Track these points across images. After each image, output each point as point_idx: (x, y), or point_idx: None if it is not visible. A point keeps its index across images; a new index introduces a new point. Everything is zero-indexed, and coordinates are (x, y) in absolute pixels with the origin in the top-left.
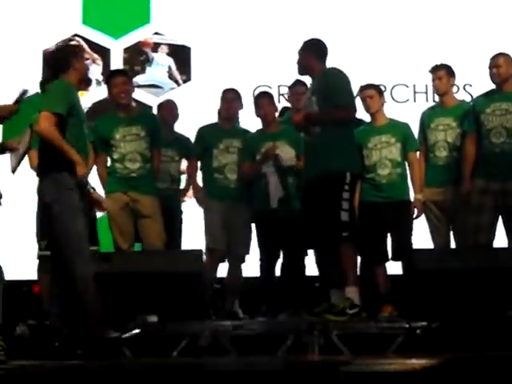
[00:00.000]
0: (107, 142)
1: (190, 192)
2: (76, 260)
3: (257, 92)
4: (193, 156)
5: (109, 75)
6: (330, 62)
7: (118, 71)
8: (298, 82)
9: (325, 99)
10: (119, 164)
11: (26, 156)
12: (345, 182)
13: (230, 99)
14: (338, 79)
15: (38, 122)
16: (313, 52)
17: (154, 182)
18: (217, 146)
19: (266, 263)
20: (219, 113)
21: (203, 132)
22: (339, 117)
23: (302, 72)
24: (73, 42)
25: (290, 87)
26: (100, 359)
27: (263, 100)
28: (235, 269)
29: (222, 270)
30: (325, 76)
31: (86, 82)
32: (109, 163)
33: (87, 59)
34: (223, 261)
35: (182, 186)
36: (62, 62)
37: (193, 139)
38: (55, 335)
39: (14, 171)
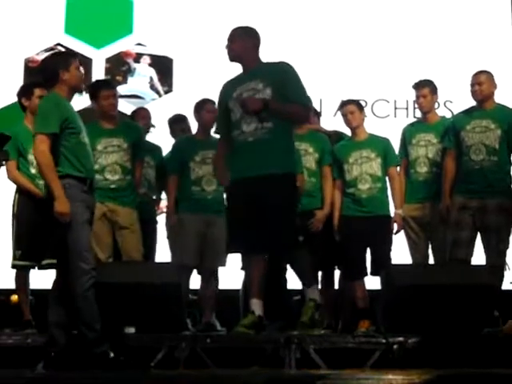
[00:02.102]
0: None
1: (161, 205)
2: (75, 277)
3: None
4: (171, 172)
5: (96, 86)
6: (311, 78)
7: (105, 83)
8: None
9: (282, 94)
10: (99, 175)
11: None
12: (296, 184)
13: (212, 110)
14: (297, 77)
15: (35, 144)
16: (250, 40)
17: (133, 193)
18: (193, 159)
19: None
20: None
21: (178, 146)
22: (300, 115)
23: (233, 59)
24: (62, 51)
25: None
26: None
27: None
28: (209, 281)
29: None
30: (283, 69)
31: (79, 91)
32: None
33: (79, 67)
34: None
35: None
36: (50, 75)
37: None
38: (51, 345)
39: None
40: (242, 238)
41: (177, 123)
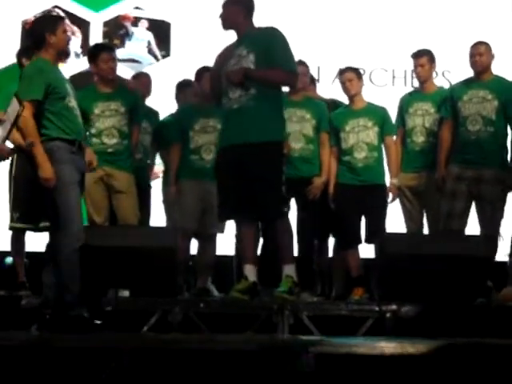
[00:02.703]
0: (86, 116)
1: (156, 170)
2: (61, 237)
3: None
4: (174, 141)
5: (95, 49)
6: (309, 46)
7: (104, 46)
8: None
9: (266, 59)
10: (96, 139)
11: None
12: (283, 152)
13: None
14: (284, 42)
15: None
16: (242, 7)
17: (130, 158)
18: (192, 128)
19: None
20: (196, 91)
21: (180, 114)
22: (283, 79)
23: (227, 27)
24: (51, 13)
25: None
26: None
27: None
28: (207, 247)
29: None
30: (268, 35)
31: (64, 55)
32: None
33: (67, 30)
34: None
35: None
36: (37, 38)
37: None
38: (46, 307)
39: (3, 141)
40: (231, 205)
41: (185, 88)
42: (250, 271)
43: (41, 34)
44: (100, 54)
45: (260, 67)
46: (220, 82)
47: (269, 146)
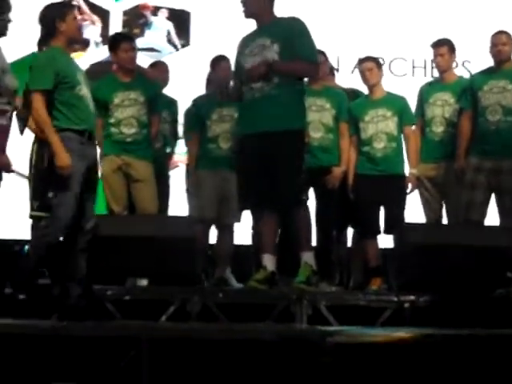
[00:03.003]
0: (105, 105)
1: (175, 159)
2: (43, 224)
3: None
4: (192, 129)
5: (115, 39)
6: (328, 36)
7: (125, 36)
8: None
9: (291, 50)
10: (115, 128)
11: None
12: (304, 141)
13: (227, 67)
14: (307, 33)
15: (30, 101)
16: None
17: (149, 147)
18: (210, 117)
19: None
20: (210, 80)
21: (197, 103)
22: (307, 71)
23: (250, 15)
24: (59, 1)
25: None
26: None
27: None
28: (224, 236)
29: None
30: (292, 25)
31: (76, 42)
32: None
33: (78, 17)
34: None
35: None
36: (48, 26)
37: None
38: (65, 297)
39: (21, 132)
40: (253, 193)
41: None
42: (269, 260)
43: (51, 22)
44: (120, 44)
45: (284, 57)
46: (242, 72)
47: (291, 135)
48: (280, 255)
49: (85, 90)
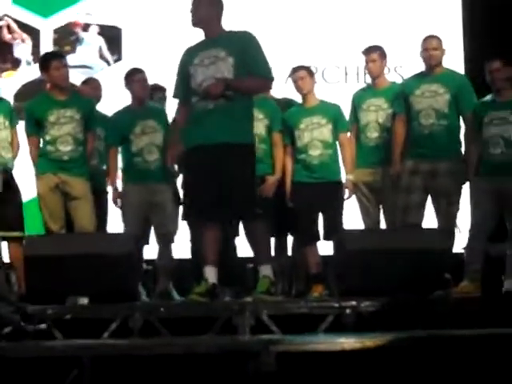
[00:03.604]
0: (40, 123)
1: None
2: None
3: None
4: (111, 145)
5: (46, 58)
6: (263, 43)
7: (55, 54)
8: None
9: (246, 64)
10: (51, 146)
11: None
12: (255, 154)
13: (141, 79)
14: (260, 47)
15: None
16: (216, 8)
17: (85, 165)
18: (132, 131)
19: (196, 243)
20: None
21: (117, 118)
22: (262, 87)
23: (197, 25)
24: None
25: None
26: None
27: None
28: (164, 249)
29: (153, 251)
30: (246, 39)
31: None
32: (41, 145)
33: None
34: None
35: None
36: None
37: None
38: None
39: None
40: (198, 205)
41: (156, 92)
42: (211, 272)
43: None
44: (51, 62)
45: (239, 71)
46: (187, 80)
47: (245, 148)
48: (221, 267)
49: None
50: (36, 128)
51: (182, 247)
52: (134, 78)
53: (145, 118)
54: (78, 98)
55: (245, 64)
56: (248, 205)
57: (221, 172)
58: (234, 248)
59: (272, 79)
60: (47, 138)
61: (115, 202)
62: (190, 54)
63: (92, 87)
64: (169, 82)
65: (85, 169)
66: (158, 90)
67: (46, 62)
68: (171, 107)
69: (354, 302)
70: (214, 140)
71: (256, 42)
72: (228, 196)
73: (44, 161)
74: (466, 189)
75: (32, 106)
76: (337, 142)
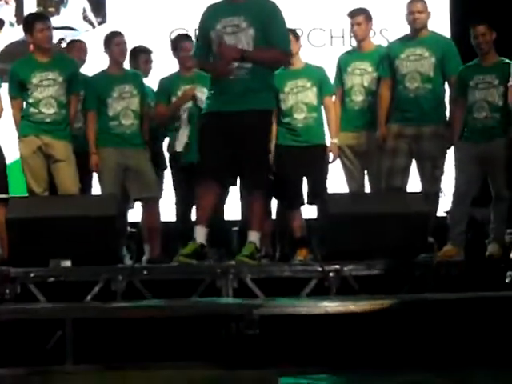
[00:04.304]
0: (24, 85)
1: None
2: None
3: (175, 34)
4: (90, 108)
5: (29, 19)
6: None
7: (39, 16)
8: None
9: (266, 37)
10: (34, 109)
11: None
12: (272, 122)
13: (123, 42)
14: (283, 20)
15: None
16: None
17: (68, 127)
18: (110, 95)
19: (181, 206)
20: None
21: (94, 82)
22: (279, 61)
23: None
24: None
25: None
26: None
27: (187, 44)
28: (148, 211)
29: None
30: (270, 11)
31: None
32: (24, 107)
33: None
34: (132, 206)
35: None
36: None
37: None
38: None
39: None
40: (210, 165)
41: (141, 54)
42: (200, 232)
43: None
44: (35, 24)
45: (259, 43)
46: (207, 41)
47: (262, 116)
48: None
49: None
50: (19, 90)
51: (166, 210)
52: (113, 41)
53: (122, 83)
54: (61, 61)
55: (265, 36)
56: (261, 171)
57: (236, 138)
58: (223, 210)
59: (289, 53)
60: (30, 100)
61: (95, 166)
62: (212, 17)
63: (77, 49)
64: (154, 45)
65: (67, 131)
66: (143, 52)
67: (29, 23)
68: (157, 69)
69: (337, 266)
70: (232, 108)
71: (279, 14)
72: (241, 161)
73: (27, 123)
74: (450, 153)
75: (15, 69)
76: (321, 106)
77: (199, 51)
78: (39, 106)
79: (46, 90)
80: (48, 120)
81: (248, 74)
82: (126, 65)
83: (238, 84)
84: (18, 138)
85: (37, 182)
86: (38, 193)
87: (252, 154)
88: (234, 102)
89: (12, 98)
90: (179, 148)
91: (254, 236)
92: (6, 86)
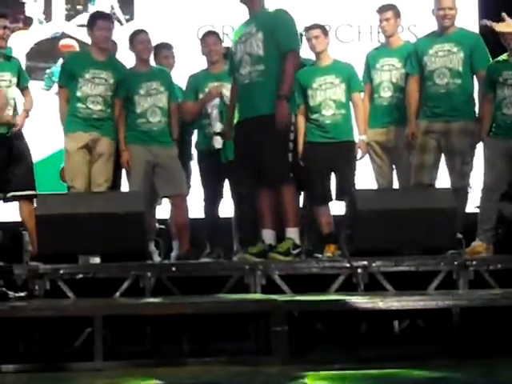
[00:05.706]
0: (74, 77)
1: None
2: None
3: (202, 31)
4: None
5: (93, 16)
6: (274, 5)
7: (103, 15)
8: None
9: (274, 39)
10: (81, 104)
11: None
12: (291, 122)
13: (146, 40)
14: (290, 22)
15: None
16: None
17: (113, 125)
18: (137, 92)
19: (209, 203)
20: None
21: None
22: (295, 65)
23: (243, 1)
24: None
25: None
26: None
27: (210, 39)
28: (176, 208)
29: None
30: (277, 15)
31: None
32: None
33: None
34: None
35: None
36: None
37: None
38: None
39: None
40: (244, 174)
41: (161, 50)
42: (268, 234)
43: None
44: (96, 22)
45: (267, 45)
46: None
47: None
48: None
49: None
50: (69, 81)
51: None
52: (137, 38)
53: (149, 80)
54: (115, 63)
55: (274, 39)
56: (279, 168)
57: (257, 141)
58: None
59: (298, 52)
60: (78, 93)
61: (126, 163)
62: (236, 33)
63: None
64: (180, 42)
65: (113, 129)
66: (163, 47)
67: (92, 20)
68: (185, 66)
69: (365, 262)
70: (251, 113)
71: (287, 19)
72: (261, 164)
73: (74, 119)
74: (479, 148)
75: (70, 60)
76: (350, 102)
77: (231, 71)
78: (86, 101)
79: (97, 87)
80: (95, 116)
81: (261, 77)
82: (152, 62)
83: (253, 88)
84: (65, 133)
85: (77, 177)
86: (77, 188)
87: (269, 153)
88: (252, 107)
89: (60, 86)
90: (218, 145)
91: (291, 233)
92: (35, 83)
